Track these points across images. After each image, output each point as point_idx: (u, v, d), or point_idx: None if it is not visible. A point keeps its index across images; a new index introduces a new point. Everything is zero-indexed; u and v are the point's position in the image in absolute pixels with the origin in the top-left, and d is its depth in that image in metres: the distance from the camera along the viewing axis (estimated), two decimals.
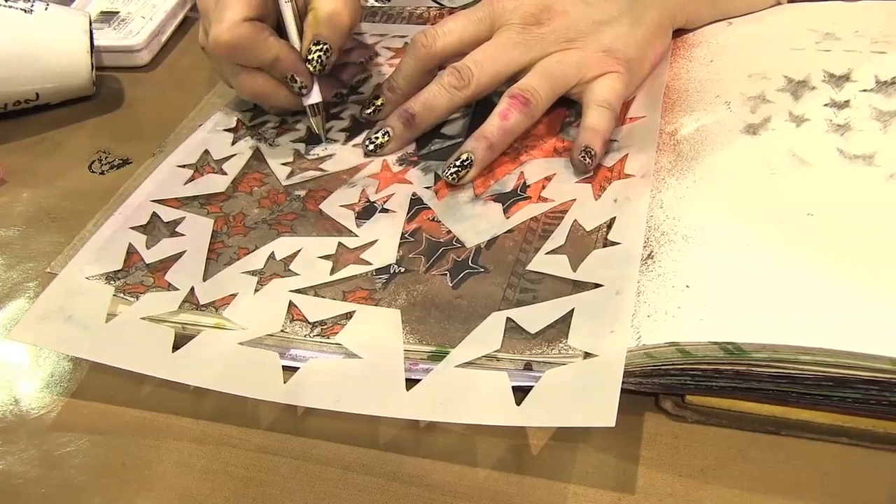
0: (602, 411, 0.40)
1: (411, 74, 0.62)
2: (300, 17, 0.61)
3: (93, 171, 0.66)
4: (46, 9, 0.69)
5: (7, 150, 0.69)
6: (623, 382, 0.41)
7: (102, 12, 0.81)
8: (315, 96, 0.62)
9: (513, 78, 0.60)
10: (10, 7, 0.68)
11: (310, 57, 0.60)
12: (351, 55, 0.72)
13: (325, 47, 0.60)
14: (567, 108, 0.61)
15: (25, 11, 0.68)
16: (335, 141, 0.63)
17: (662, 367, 0.43)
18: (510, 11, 0.60)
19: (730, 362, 0.41)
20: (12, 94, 0.70)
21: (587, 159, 0.55)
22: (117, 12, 0.80)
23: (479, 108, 0.62)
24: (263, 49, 0.59)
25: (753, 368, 0.41)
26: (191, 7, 0.85)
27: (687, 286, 0.45)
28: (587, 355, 0.43)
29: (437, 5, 0.80)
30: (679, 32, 0.65)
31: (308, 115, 0.63)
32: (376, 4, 0.80)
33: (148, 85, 0.76)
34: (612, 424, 0.39)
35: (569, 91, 0.60)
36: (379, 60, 0.72)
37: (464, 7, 0.78)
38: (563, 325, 0.45)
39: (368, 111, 0.63)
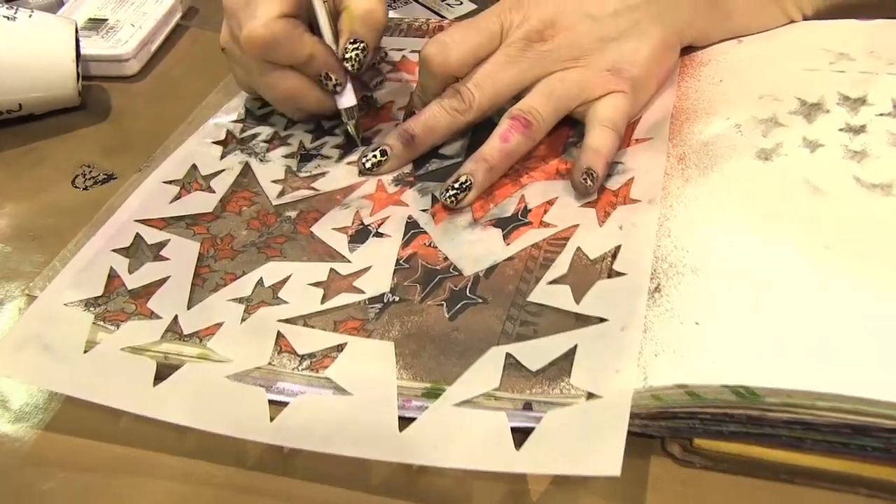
0: (607, 459, 0.38)
1: (437, 92, 0.60)
2: (332, 16, 0.59)
3: (76, 187, 0.63)
4: (31, 16, 0.67)
5: None
6: (628, 424, 0.39)
7: (90, 20, 0.78)
8: (349, 98, 0.60)
9: (516, 96, 0.58)
10: None
11: (347, 55, 0.58)
12: None
13: (361, 45, 0.59)
14: (570, 127, 0.59)
15: (8, 19, 0.66)
16: (328, 157, 0.61)
17: (670, 410, 0.41)
18: (515, 26, 0.57)
19: (742, 406, 0.39)
20: None
21: (588, 181, 0.53)
22: (105, 20, 0.78)
23: (478, 127, 0.59)
24: (298, 45, 0.57)
25: (767, 413, 0.39)
26: (182, 15, 0.83)
27: (696, 323, 0.43)
28: (590, 396, 0.41)
29: (437, 17, 0.77)
30: (687, 50, 0.63)
31: (343, 118, 0.61)
32: None
33: (136, 96, 0.74)
34: (618, 474, 0.37)
35: (572, 111, 0.57)
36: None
37: (465, 18, 0.76)
38: (565, 363, 0.43)
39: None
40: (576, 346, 0.44)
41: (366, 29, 0.59)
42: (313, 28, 0.59)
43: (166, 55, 0.79)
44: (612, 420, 0.39)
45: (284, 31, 0.56)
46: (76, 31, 0.69)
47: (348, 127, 0.61)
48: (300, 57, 0.58)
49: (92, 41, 0.76)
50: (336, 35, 0.59)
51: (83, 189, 0.63)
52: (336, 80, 0.59)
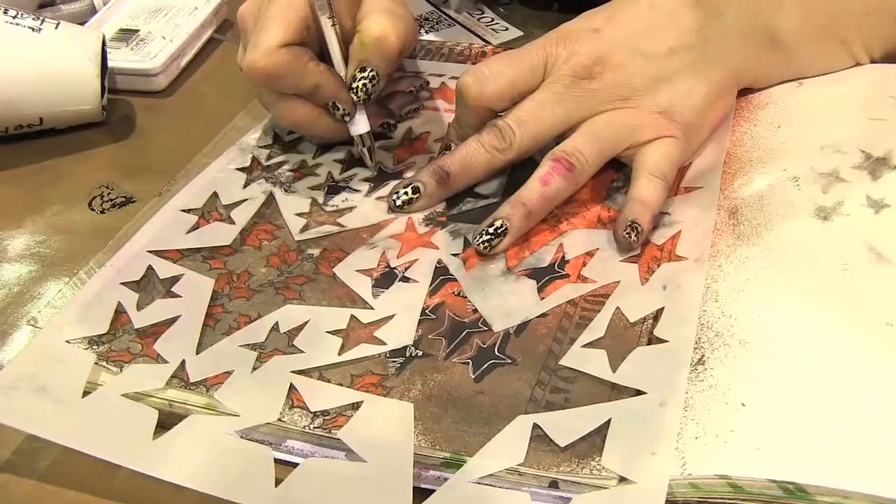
0: None
1: (474, 125, 0.56)
2: (346, 39, 0.56)
3: (92, 209, 0.60)
4: (56, 27, 0.64)
5: (3, 179, 0.64)
6: None
7: (121, 30, 0.75)
8: (362, 125, 0.58)
9: (559, 136, 0.54)
10: (18, 24, 0.63)
11: (354, 85, 0.56)
12: (400, 84, 0.66)
13: (371, 74, 0.56)
14: (615, 170, 0.56)
15: (34, 30, 0.63)
16: (357, 191, 0.58)
17: (709, 500, 0.37)
18: (562, 61, 0.54)
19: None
20: (14, 118, 0.65)
21: (632, 236, 0.49)
22: (137, 31, 0.75)
23: (518, 164, 0.56)
24: (301, 76, 0.54)
25: None
26: (216, 28, 0.80)
27: (742, 404, 0.39)
28: (622, 480, 0.38)
29: (480, 41, 0.74)
30: (744, 91, 0.59)
31: (356, 145, 0.58)
32: None
33: (162, 112, 0.71)
34: None
35: (618, 154, 0.54)
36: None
37: (509, 44, 0.73)
38: (596, 439, 0.40)
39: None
40: (609, 421, 0.40)
41: (377, 57, 0.56)
42: (324, 49, 0.56)
43: (197, 69, 0.76)
44: None
45: (286, 62, 0.54)
46: (103, 45, 0.66)
47: (362, 153, 0.59)
48: (304, 87, 0.55)
49: (121, 53, 0.73)
50: (347, 60, 0.57)
51: (99, 212, 0.60)
52: (344, 109, 0.56)
